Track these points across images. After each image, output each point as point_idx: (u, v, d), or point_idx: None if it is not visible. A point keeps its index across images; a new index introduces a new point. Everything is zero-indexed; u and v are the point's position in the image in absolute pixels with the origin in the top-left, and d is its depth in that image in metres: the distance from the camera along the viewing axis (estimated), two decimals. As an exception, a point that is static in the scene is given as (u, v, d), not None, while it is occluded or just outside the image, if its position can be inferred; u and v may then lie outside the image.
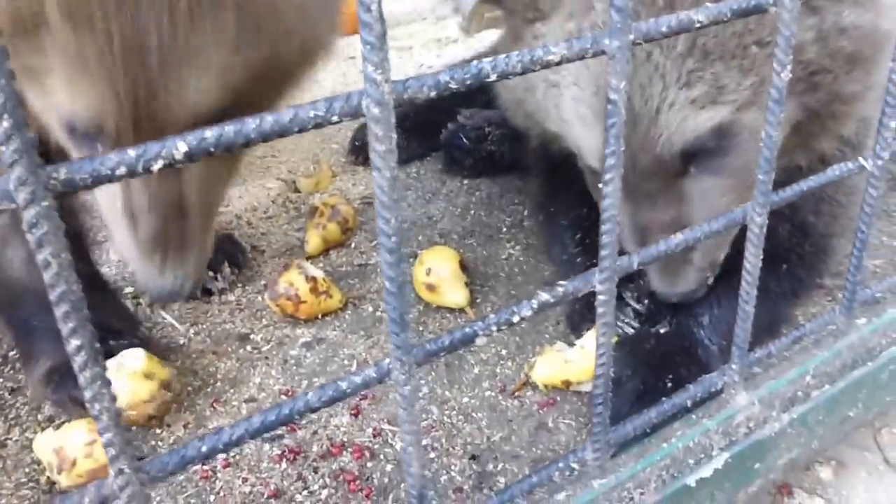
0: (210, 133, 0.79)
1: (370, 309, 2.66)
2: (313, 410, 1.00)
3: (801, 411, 1.72)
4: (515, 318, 1.16)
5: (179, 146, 0.78)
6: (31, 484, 2.06)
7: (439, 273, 2.60)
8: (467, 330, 1.12)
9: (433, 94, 0.92)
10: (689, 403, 1.57)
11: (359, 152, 3.72)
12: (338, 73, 4.91)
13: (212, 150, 0.80)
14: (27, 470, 2.09)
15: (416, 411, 1.08)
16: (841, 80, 1.96)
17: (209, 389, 2.34)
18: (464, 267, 2.66)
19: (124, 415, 2.14)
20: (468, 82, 0.95)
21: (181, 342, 2.54)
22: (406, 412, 1.07)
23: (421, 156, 3.75)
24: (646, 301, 2.32)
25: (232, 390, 2.34)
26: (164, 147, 0.77)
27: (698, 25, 1.19)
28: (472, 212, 3.28)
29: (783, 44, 1.28)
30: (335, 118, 0.86)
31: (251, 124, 0.82)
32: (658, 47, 1.87)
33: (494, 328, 1.14)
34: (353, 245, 3.04)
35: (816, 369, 1.76)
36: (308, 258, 2.93)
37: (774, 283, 2.28)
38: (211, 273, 2.73)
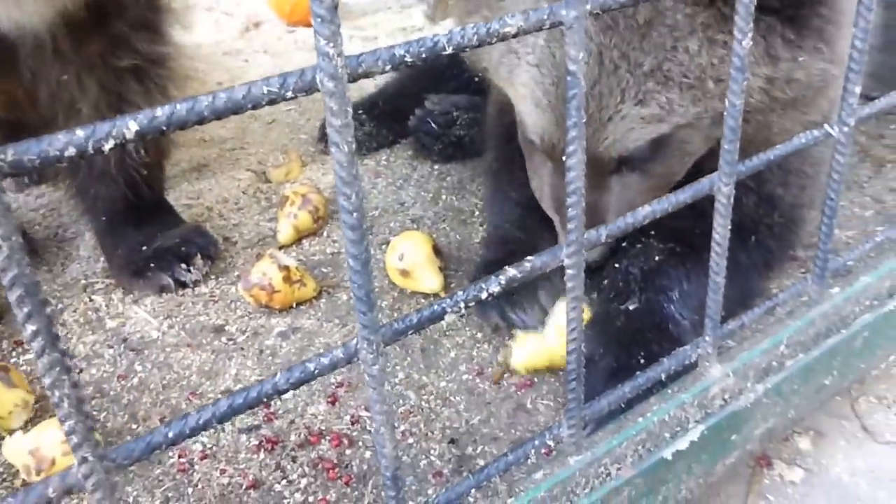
0: (161, 111, 0.78)
1: (344, 297, 2.65)
2: (281, 392, 0.99)
3: (775, 381, 1.72)
4: (484, 295, 1.16)
5: (130, 125, 0.76)
6: (5, 484, 2.04)
7: (413, 258, 2.59)
8: (436, 307, 1.11)
9: (388, 67, 0.91)
10: (663, 377, 1.56)
11: (328, 141, 3.67)
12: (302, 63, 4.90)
13: (164, 128, 0.79)
14: (0, 469, 2.07)
15: (386, 391, 1.07)
16: (772, 120, 2.06)
17: (185, 382, 2.32)
18: (437, 251, 2.65)
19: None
20: (423, 56, 0.94)
21: (155, 336, 2.52)
22: (376, 392, 1.06)
23: (391, 143, 3.73)
24: None
25: (208, 383, 2.32)
26: (114, 126, 0.76)
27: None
28: (444, 196, 3.27)
29: (743, 12, 1.28)
30: (289, 94, 0.85)
31: (204, 101, 0.81)
32: (626, 62, 1.94)
33: (463, 304, 1.13)
34: (325, 234, 3.03)
35: (790, 339, 1.76)
36: (280, 248, 2.91)
37: (745, 256, 2.29)
38: (183, 265, 2.71)
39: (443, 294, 2.59)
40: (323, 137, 3.71)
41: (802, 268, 2.60)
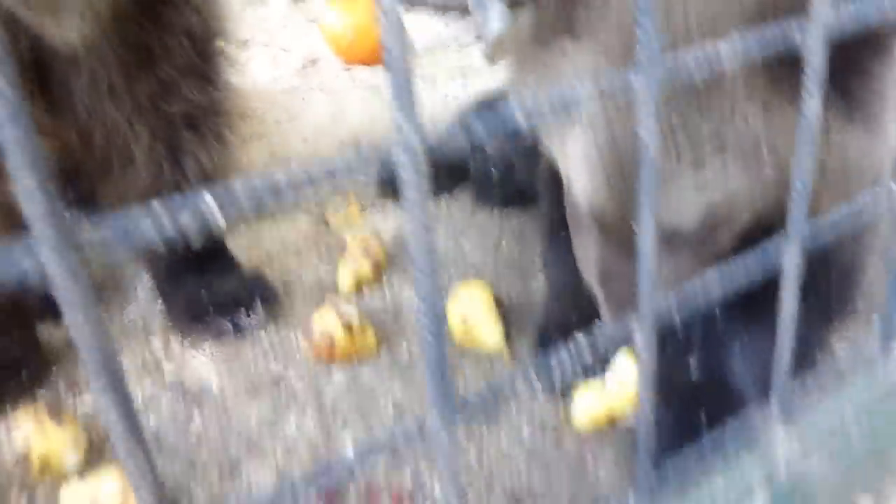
0: (240, 187, 0.78)
1: (406, 350, 2.64)
2: (352, 469, 0.98)
3: (840, 445, 1.69)
4: (555, 367, 1.14)
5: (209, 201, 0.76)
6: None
7: (472, 310, 2.57)
8: (508, 382, 1.10)
9: (468, 145, 0.91)
10: (726, 442, 1.54)
11: (388, 187, 3.66)
12: (362, 106, 4.90)
13: (244, 206, 0.79)
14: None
15: (458, 468, 1.06)
16: (820, 201, 2.03)
17: (243, 433, 2.32)
18: (497, 302, 2.64)
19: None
20: (500, 131, 0.94)
21: (213, 384, 2.52)
22: (448, 472, 1.05)
23: (450, 189, 3.70)
24: None
25: (268, 434, 2.32)
26: (191, 202, 0.75)
27: (727, 59, 1.17)
28: (504, 245, 3.26)
29: (812, 76, 1.27)
30: (366, 171, 0.85)
31: (283, 180, 0.80)
32: (683, 124, 1.89)
33: (534, 377, 1.12)
34: (386, 282, 3.01)
35: (854, 401, 1.73)
36: (341, 297, 2.91)
37: (803, 311, 2.25)
38: (243, 312, 2.72)
39: (504, 349, 2.57)
40: (383, 183, 3.69)
41: (867, 322, 2.56)
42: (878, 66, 1.93)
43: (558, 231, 2.70)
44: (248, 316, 2.72)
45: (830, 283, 2.33)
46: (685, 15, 1.85)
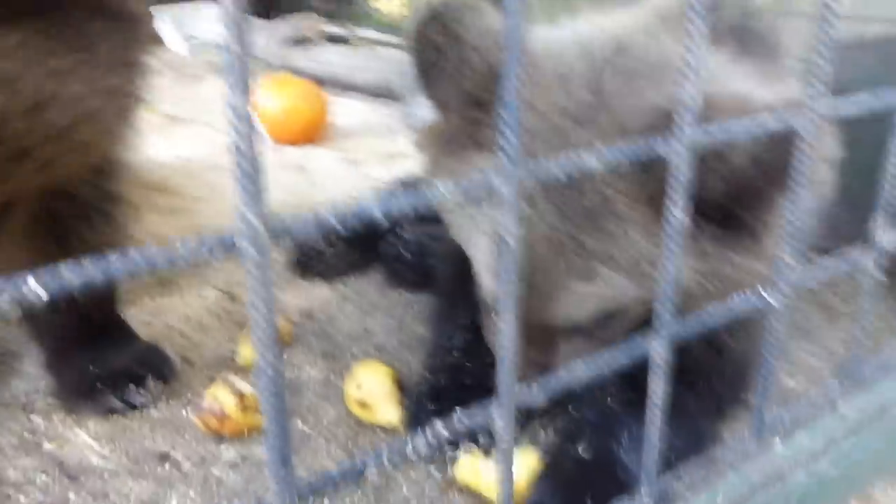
0: (69, 272, 0.78)
1: (300, 425, 2.61)
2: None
3: (712, 537, 1.71)
4: (409, 450, 1.15)
5: (38, 291, 0.76)
6: None
7: (372, 389, 2.57)
8: (357, 462, 1.10)
9: (317, 233, 0.92)
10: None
11: (300, 267, 3.69)
12: (287, 185, 4.91)
13: (74, 291, 0.78)
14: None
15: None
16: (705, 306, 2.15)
17: (121, 512, 2.26)
18: (399, 384, 2.63)
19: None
20: (352, 223, 0.95)
21: (94, 462, 2.43)
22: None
23: (360, 267, 3.71)
24: None
25: (145, 513, 2.26)
26: (12, 285, 0.75)
27: (594, 168, 1.20)
28: (411, 326, 3.26)
29: (677, 186, 1.30)
30: (209, 256, 0.85)
31: (117, 262, 0.80)
32: (574, 243, 2.04)
33: (386, 461, 1.12)
34: (286, 358, 2.98)
35: (727, 493, 1.74)
36: (241, 371, 2.86)
37: (694, 402, 2.30)
38: (135, 387, 2.64)
39: (402, 428, 2.56)
40: (296, 263, 3.71)
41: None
42: (776, 197, 2.01)
43: (447, 306, 2.85)
44: (140, 391, 2.65)
45: (723, 377, 2.40)
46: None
